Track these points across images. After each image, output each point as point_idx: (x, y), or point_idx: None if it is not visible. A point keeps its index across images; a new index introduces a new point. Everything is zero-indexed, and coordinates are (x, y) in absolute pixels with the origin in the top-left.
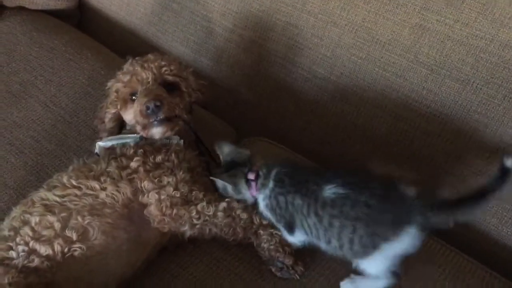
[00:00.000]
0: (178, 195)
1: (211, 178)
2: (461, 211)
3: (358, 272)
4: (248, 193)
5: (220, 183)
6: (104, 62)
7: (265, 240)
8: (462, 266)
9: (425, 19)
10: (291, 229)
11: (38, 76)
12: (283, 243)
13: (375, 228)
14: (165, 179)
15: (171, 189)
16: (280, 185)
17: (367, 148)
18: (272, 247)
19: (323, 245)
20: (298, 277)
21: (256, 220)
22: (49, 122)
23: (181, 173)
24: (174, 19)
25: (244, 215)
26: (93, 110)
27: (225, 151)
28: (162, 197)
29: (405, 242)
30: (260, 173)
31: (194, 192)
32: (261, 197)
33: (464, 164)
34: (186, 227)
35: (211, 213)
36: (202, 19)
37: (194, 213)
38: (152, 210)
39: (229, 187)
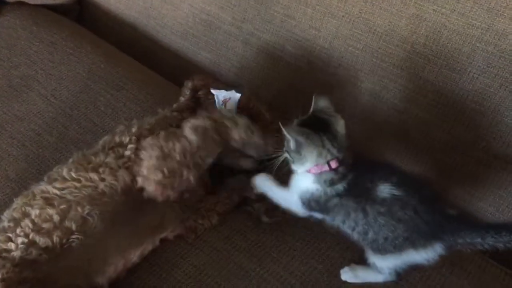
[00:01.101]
0: (154, 159)
1: (283, 128)
2: (496, 239)
3: (357, 262)
4: (309, 165)
5: (294, 132)
6: (104, 56)
7: None
8: (459, 254)
9: (422, 9)
10: (324, 212)
11: (38, 70)
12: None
13: (411, 233)
14: (142, 156)
15: (148, 160)
16: (345, 191)
17: (364, 137)
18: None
19: (348, 231)
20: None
21: (217, 118)
22: (50, 115)
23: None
24: (173, 12)
25: (207, 122)
26: (93, 103)
27: (319, 104)
28: (144, 172)
29: (427, 255)
30: (341, 169)
31: (163, 146)
32: (314, 185)
33: (461, 153)
34: (185, 172)
35: (187, 143)
36: (201, 12)
37: (178, 157)
38: (148, 187)
39: (292, 143)
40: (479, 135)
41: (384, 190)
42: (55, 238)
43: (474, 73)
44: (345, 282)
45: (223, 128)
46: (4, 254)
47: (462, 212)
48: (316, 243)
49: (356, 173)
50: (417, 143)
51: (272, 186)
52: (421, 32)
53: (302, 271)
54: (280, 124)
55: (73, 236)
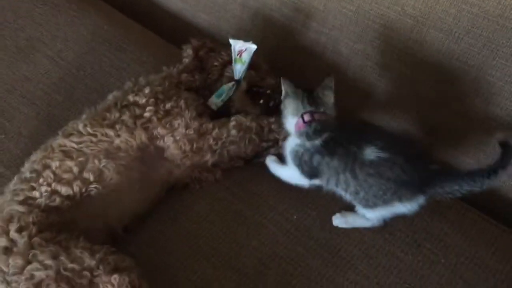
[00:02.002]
0: (191, 132)
1: (282, 78)
2: (471, 184)
3: (347, 209)
4: (290, 118)
5: (287, 84)
6: (106, 18)
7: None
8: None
9: None
10: (313, 176)
11: (44, 32)
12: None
13: (399, 189)
14: (175, 122)
15: (183, 128)
16: (325, 147)
17: (356, 98)
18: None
19: (341, 191)
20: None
21: (264, 123)
22: (57, 76)
23: (187, 112)
24: None
25: (253, 124)
26: (98, 64)
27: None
28: (178, 137)
29: (411, 206)
30: (314, 124)
31: (204, 125)
32: (294, 141)
33: (447, 109)
34: (208, 156)
35: (225, 134)
36: None
37: (211, 141)
38: (172, 151)
39: (283, 93)
40: (463, 92)
41: (371, 153)
42: (75, 188)
43: (460, 34)
44: (336, 227)
45: (263, 130)
46: (30, 201)
47: (441, 166)
48: (310, 192)
49: (338, 134)
50: (406, 101)
51: (278, 166)
52: None
53: (297, 217)
54: (281, 78)
55: (92, 186)
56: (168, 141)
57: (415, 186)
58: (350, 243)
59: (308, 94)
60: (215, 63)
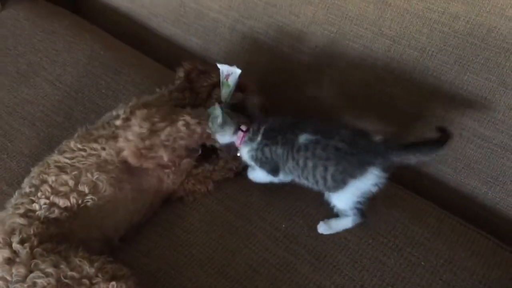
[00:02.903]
0: (143, 130)
1: (216, 103)
2: (418, 154)
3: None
4: (234, 139)
5: (218, 111)
6: (102, 43)
7: None
8: (420, 208)
9: None
10: (275, 172)
11: (43, 58)
12: None
13: (344, 166)
14: (131, 123)
15: (136, 127)
16: (266, 139)
17: (339, 111)
18: None
19: (303, 182)
20: None
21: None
22: (57, 98)
23: (139, 112)
24: (165, 1)
25: (198, 129)
26: (95, 86)
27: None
28: (130, 137)
29: (369, 180)
30: (251, 128)
31: (156, 124)
32: (245, 149)
33: (424, 122)
34: (162, 151)
35: (175, 131)
36: (191, 1)
37: (163, 137)
38: (127, 152)
39: (219, 120)
40: (438, 106)
41: (303, 138)
42: (72, 199)
43: (433, 51)
44: (321, 234)
45: (208, 135)
46: (30, 214)
47: (387, 137)
48: (297, 202)
49: (271, 124)
50: (386, 115)
51: (255, 172)
52: (387, 16)
53: (285, 226)
54: (217, 105)
55: (87, 198)
56: (123, 143)
57: (359, 159)
58: (336, 248)
59: (235, 113)
60: (204, 84)
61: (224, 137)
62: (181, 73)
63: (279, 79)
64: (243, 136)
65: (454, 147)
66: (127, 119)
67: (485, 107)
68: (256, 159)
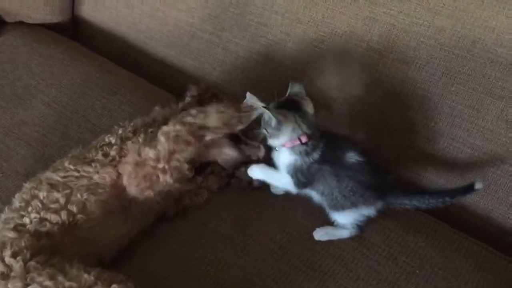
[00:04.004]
0: (130, 168)
1: (264, 107)
2: (421, 203)
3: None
4: (283, 139)
5: (267, 114)
6: (98, 67)
7: None
8: (414, 218)
9: (374, 12)
10: (304, 186)
11: (40, 81)
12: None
13: (365, 193)
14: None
15: (127, 165)
16: (322, 158)
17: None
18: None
19: (320, 198)
20: None
21: (187, 120)
22: (52, 119)
23: (140, 138)
24: (159, 26)
25: (177, 127)
26: (90, 106)
27: (294, 89)
28: (129, 171)
29: (372, 210)
30: (311, 142)
31: (142, 153)
32: (290, 156)
33: (415, 134)
34: (167, 176)
35: (160, 149)
36: (185, 24)
37: (151, 162)
38: (127, 181)
39: (273, 122)
40: (427, 117)
41: (352, 156)
42: (63, 216)
43: (420, 64)
44: (317, 243)
45: (195, 128)
46: (20, 228)
47: (397, 178)
48: (291, 213)
49: (326, 142)
50: (377, 128)
51: (267, 172)
52: (375, 32)
53: (280, 237)
54: (262, 107)
55: (78, 216)
56: (124, 170)
57: (376, 192)
58: (330, 258)
59: (299, 115)
60: None
61: (281, 138)
62: (194, 91)
63: (272, 97)
64: (296, 145)
65: (444, 158)
66: (121, 150)
67: (473, 117)
68: (294, 170)
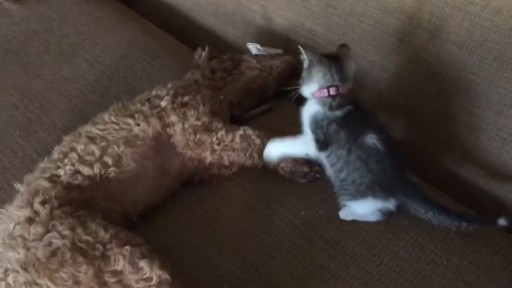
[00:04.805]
0: (199, 123)
1: (301, 48)
2: (435, 218)
3: None
4: (314, 86)
5: (311, 53)
6: (142, 30)
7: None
8: None
9: None
10: (323, 147)
11: (85, 39)
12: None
13: (374, 184)
14: (189, 113)
15: (193, 119)
16: (343, 119)
17: (371, 106)
18: (289, 164)
19: (330, 170)
20: (319, 175)
21: None
22: (93, 77)
23: (202, 107)
24: None
25: (258, 141)
26: (131, 68)
27: (342, 49)
28: (186, 126)
29: (384, 204)
30: (339, 98)
31: (214, 123)
32: (316, 108)
33: (459, 121)
34: (207, 153)
35: (229, 139)
36: None
37: (214, 139)
38: (178, 137)
39: (306, 62)
40: (475, 104)
41: (372, 140)
42: (95, 169)
43: (472, 47)
44: (342, 223)
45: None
46: (54, 178)
47: (420, 183)
48: (319, 192)
49: (354, 110)
50: (420, 112)
51: (285, 141)
52: (426, 9)
53: (304, 214)
54: (299, 47)
55: (110, 169)
56: (177, 127)
57: (387, 188)
58: (355, 239)
59: (335, 64)
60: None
61: (312, 85)
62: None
63: None
64: (325, 97)
65: (488, 149)
66: (174, 102)
67: None
68: (315, 123)
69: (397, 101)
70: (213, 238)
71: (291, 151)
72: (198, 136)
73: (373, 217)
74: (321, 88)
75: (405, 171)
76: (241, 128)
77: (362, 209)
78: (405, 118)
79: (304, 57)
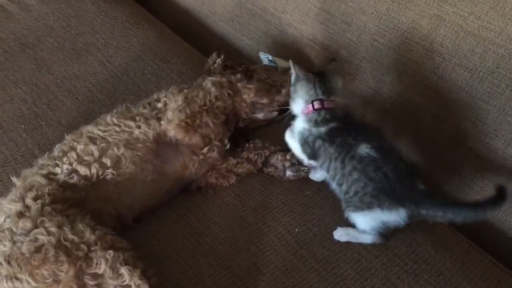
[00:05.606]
0: (179, 102)
1: (291, 63)
2: (456, 214)
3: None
4: (300, 102)
5: (298, 68)
6: (157, 33)
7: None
8: (447, 237)
9: (443, 10)
10: (311, 158)
11: (99, 39)
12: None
13: (378, 194)
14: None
15: (172, 103)
16: (328, 135)
17: (380, 126)
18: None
19: (333, 185)
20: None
21: (232, 78)
22: (103, 77)
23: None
24: (223, 1)
25: (223, 79)
26: (141, 71)
27: (335, 64)
28: (170, 115)
29: (392, 216)
30: (324, 112)
31: (189, 94)
32: (303, 124)
33: (465, 148)
34: (205, 116)
35: (207, 91)
36: (248, 2)
37: (199, 101)
38: (174, 130)
39: (293, 77)
40: (483, 132)
41: (364, 149)
42: (93, 170)
43: (484, 73)
44: (336, 243)
45: (236, 88)
46: (51, 176)
47: (431, 189)
48: (316, 209)
49: (342, 125)
50: (426, 136)
51: (291, 138)
52: (440, 32)
53: (298, 230)
54: (290, 61)
55: (108, 171)
56: (169, 114)
57: (394, 196)
58: (347, 262)
59: (320, 79)
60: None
61: (298, 102)
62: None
63: None
64: (311, 112)
65: (496, 177)
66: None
67: None
68: (302, 139)
69: (404, 122)
70: (204, 247)
71: (292, 149)
72: (187, 110)
73: (369, 238)
74: (306, 103)
75: (413, 178)
76: (206, 80)
77: (368, 221)
78: (410, 139)
79: (292, 72)
